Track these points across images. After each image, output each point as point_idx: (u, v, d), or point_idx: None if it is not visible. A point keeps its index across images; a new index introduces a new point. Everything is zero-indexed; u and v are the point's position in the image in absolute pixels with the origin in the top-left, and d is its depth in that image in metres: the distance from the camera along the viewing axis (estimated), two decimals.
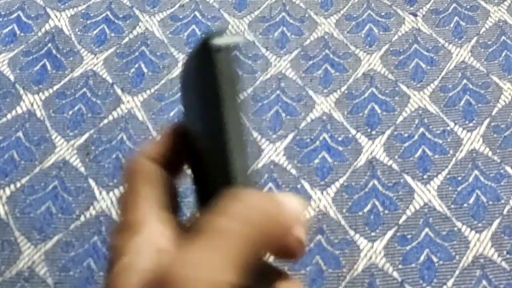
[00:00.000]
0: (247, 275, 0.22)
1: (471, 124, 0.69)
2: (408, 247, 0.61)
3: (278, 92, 0.71)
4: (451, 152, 0.67)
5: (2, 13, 0.76)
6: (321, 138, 0.68)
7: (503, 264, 0.60)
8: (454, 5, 0.79)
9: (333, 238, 0.62)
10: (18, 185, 0.63)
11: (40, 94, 0.69)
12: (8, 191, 0.63)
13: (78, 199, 0.63)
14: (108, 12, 0.77)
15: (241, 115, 0.25)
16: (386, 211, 0.63)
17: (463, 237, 0.62)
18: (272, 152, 0.67)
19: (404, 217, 0.63)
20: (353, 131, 0.68)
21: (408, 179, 0.65)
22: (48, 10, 0.77)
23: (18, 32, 0.74)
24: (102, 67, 0.72)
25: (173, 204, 0.26)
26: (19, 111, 0.68)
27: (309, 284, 0.59)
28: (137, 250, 0.23)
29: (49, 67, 0.72)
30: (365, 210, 0.63)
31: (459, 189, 0.65)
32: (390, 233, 0.62)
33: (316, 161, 0.66)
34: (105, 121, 0.68)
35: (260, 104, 0.70)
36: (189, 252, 0.22)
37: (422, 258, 0.61)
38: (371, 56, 0.74)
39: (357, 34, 0.76)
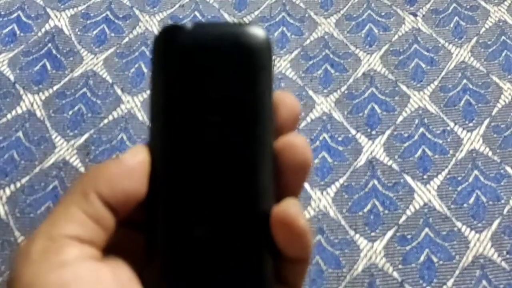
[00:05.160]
0: (98, 225, 0.24)
1: (471, 124, 0.69)
2: (408, 247, 0.61)
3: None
4: (451, 152, 0.67)
5: (2, 13, 0.76)
6: (321, 138, 0.68)
7: (503, 264, 0.60)
8: (454, 5, 0.79)
9: (333, 238, 0.62)
10: (18, 185, 0.63)
11: (40, 94, 0.69)
12: (8, 191, 0.63)
13: None
14: (108, 12, 0.77)
15: None
16: (386, 211, 0.63)
17: (463, 237, 0.62)
18: None
19: (404, 217, 0.63)
20: (353, 131, 0.68)
21: (408, 179, 0.65)
22: (48, 10, 0.77)
23: (18, 32, 0.74)
24: (102, 67, 0.72)
25: None
26: (19, 111, 0.68)
27: (309, 284, 0.59)
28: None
29: (49, 67, 0.72)
30: (365, 210, 0.63)
31: (459, 189, 0.65)
32: (390, 233, 0.62)
33: (316, 161, 0.66)
34: (105, 121, 0.68)
35: None
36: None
37: (422, 258, 0.61)
38: (371, 56, 0.74)
39: (357, 34, 0.76)
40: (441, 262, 0.60)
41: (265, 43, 0.26)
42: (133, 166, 0.25)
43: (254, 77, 0.26)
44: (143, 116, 0.69)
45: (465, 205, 0.64)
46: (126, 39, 0.74)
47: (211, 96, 0.25)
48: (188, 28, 0.25)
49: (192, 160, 0.26)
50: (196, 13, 0.77)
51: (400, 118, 0.69)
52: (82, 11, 0.77)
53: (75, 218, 0.24)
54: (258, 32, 0.26)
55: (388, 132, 0.68)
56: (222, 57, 0.25)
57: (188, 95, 0.25)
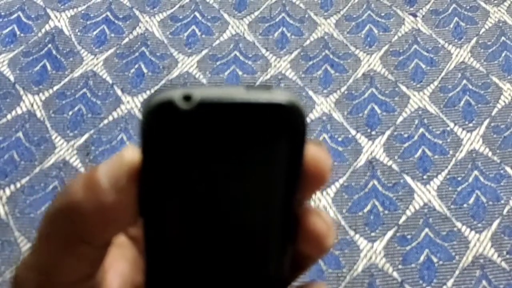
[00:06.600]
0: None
1: (471, 125, 0.69)
2: (408, 247, 0.61)
3: None
4: (451, 152, 0.67)
5: (2, 13, 0.76)
6: (321, 138, 0.68)
7: (503, 264, 0.60)
8: (454, 5, 0.79)
9: None
10: (18, 185, 0.63)
11: (40, 94, 0.69)
12: (8, 191, 0.63)
13: None
14: (108, 13, 0.77)
15: None
16: (386, 211, 0.63)
17: (463, 237, 0.62)
18: None
19: (404, 217, 0.63)
20: (353, 132, 0.68)
21: (408, 179, 0.65)
22: (48, 10, 0.77)
23: (18, 32, 0.74)
24: (102, 67, 0.72)
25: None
26: (19, 111, 0.68)
27: None
28: None
29: (49, 68, 0.72)
30: (365, 210, 0.63)
31: (459, 189, 0.65)
32: (390, 233, 0.62)
33: None
34: (105, 121, 0.68)
35: None
36: None
37: (422, 258, 0.61)
38: (371, 56, 0.74)
39: (357, 35, 0.76)
40: (441, 262, 0.60)
41: (300, 127, 0.19)
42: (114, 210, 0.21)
43: (285, 170, 0.20)
44: None
45: (465, 205, 0.64)
46: (126, 40, 0.75)
47: (221, 196, 0.20)
48: (186, 110, 0.18)
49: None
50: (196, 13, 0.77)
51: (400, 119, 0.69)
52: (82, 12, 0.77)
53: (70, 267, 0.22)
54: (289, 112, 0.18)
55: (388, 132, 0.68)
56: (236, 152, 0.19)
57: (192, 192, 0.20)
